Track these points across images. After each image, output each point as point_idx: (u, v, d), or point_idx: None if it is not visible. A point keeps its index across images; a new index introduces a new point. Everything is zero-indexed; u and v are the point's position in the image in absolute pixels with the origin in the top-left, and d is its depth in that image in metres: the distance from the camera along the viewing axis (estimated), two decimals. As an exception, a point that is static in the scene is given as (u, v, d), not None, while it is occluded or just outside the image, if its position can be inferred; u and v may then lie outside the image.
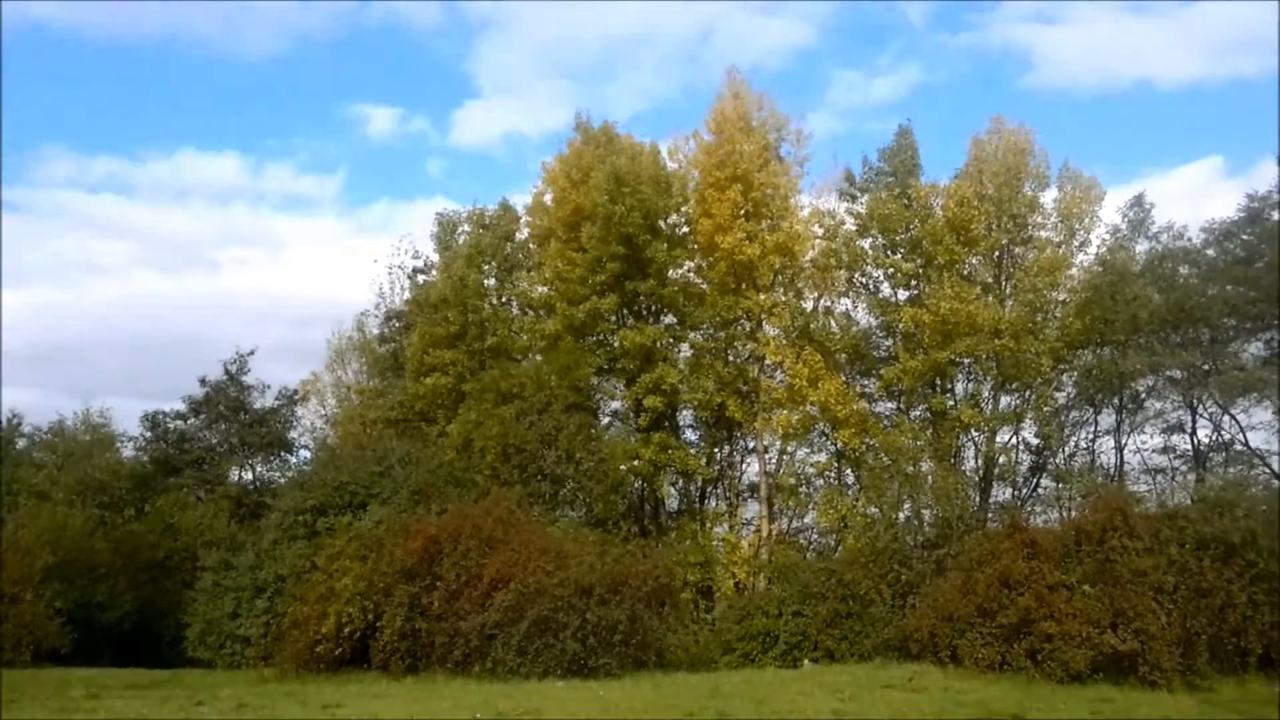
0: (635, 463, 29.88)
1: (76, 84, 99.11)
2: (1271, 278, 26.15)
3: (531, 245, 34.35)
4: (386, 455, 24.85)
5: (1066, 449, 31.67)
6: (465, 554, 19.64)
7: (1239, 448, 29.03)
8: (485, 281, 33.74)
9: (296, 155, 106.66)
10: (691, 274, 32.71)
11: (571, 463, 26.53)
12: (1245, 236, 28.43)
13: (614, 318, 31.94)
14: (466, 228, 35.37)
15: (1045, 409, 30.28)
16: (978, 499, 28.43)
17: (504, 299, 34.12)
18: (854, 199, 32.45)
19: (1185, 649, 16.75)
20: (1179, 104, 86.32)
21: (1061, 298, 30.98)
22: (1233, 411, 28.79)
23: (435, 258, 35.54)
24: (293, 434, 33.81)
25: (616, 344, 31.14)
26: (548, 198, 33.40)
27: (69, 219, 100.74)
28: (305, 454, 34.76)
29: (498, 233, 34.34)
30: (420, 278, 35.29)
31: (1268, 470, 27.58)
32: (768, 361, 30.77)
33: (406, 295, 35.59)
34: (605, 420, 32.88)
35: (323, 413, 40.68)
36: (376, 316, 37.30)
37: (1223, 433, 29.54)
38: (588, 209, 30.82)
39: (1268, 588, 17.39)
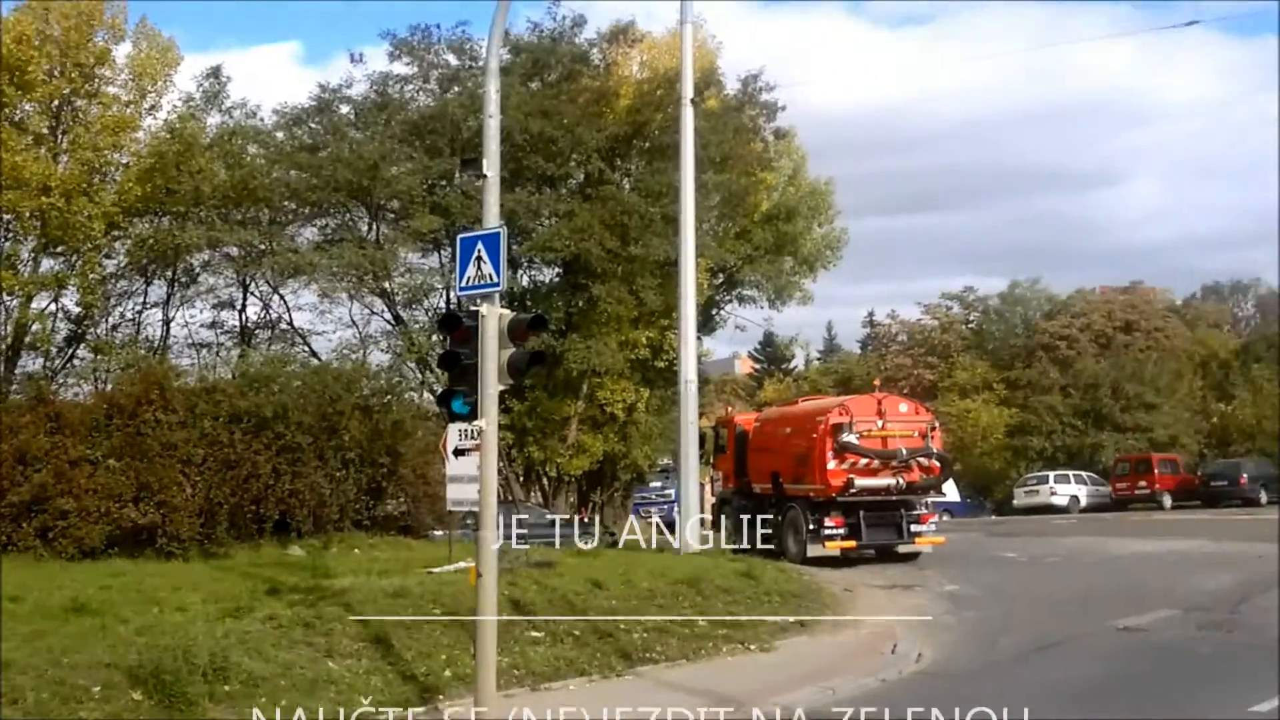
0: None
1: None
2: (333, 168, 28.16)
3: None
4: None
5: (110, 319, 30.48)
6: None
7: (284, 326, 31.27)
8: None
9: None
10: None
11: None
12: (314, 125, 30.45)
13: None
14: None
15: (92, 276, 28.58)
16: (3, 369, 26.31)
17: None
18: None
19: (207, 519, 17.10)
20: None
21: (125, 160, 29.27)
22: (282, 291, 30.78)
23: None
24: None
25: None
26: None
27: None
28: None
29: None
30: None
31: (307, 349, 30.09)
32: None
33: None
34: None
35: None
36: None
37: (271, 311, 31.39)
38: None
39: (291, 458, 18.50)
